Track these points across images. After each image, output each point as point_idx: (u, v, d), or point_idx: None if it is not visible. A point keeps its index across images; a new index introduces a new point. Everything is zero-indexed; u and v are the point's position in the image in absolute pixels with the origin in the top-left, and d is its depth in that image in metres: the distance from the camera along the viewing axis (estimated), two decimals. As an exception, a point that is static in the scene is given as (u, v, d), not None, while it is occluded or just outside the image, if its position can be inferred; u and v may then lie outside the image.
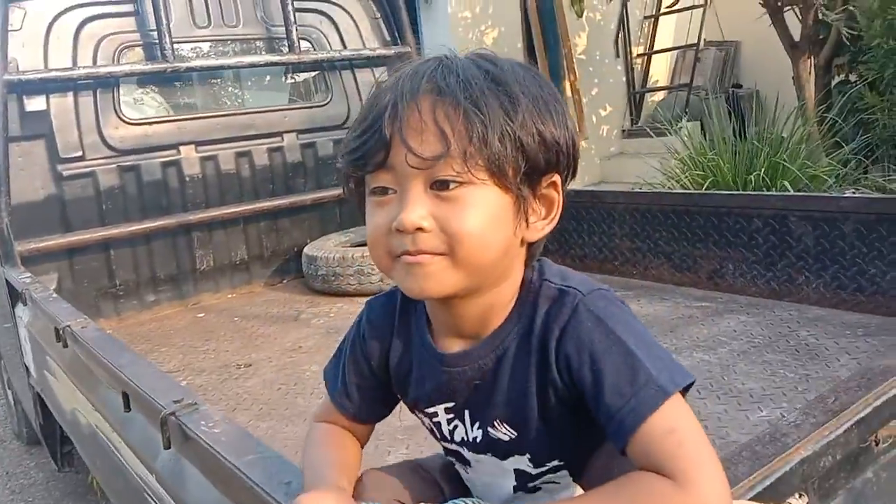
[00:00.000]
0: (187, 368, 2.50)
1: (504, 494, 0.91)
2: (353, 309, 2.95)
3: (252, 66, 3.31)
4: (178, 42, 3.07)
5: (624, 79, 7.47)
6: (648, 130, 6.04)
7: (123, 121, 3.02)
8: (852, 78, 6.21)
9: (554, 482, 0.89)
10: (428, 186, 0.76)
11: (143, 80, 3.15)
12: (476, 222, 0.76)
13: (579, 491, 0.89)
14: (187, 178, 3.16)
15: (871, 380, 1.05)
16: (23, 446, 3.28)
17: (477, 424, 0.87)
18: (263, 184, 3.36)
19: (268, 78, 3.61)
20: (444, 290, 0.79)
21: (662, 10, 7.34)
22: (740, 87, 7.94)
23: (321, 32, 3.52)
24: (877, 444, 1.00)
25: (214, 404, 1.93)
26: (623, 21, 7.32)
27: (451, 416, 0.89)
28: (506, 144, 0.76)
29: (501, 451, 0.87)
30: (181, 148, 3.15)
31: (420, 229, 0.76)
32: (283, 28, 3.28)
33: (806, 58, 5.64)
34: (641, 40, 7.59)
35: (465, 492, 0.97)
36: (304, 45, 3.41)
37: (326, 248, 3.19)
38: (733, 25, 7.40)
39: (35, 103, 2.85)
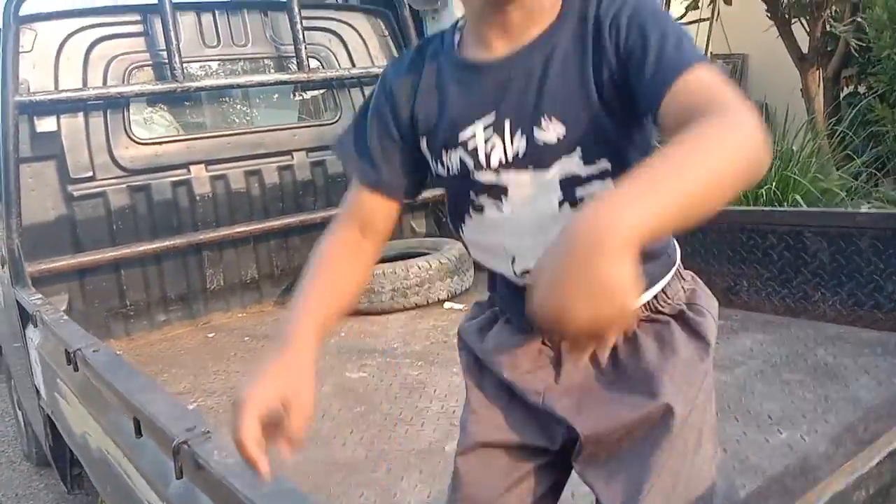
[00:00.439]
0: (198, 390, 2.48)
1: (548, 216, 0.84)
2: (363, 328, 2.94)
3: (261, 84, 3.32)
4: (188, 62, 3.08)
5: (632, 92, 7.45)
6: (657, 144, 6.01)
7: (134, 141, 3.03)
8: (861, 89, 6.18)
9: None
10: None
11: (154, 99, 3.16)
12: None
13: None
14: (198, 198, 3.16)
15: (899, 406, 1.02)
16: (32, 468, 3.26)
17: (520, 131, 0.83)
18: (273, 202, 3.35)
19: (277, 96, 3.61)
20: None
21: (670, 24, 7.33)
22: (749, 99, 7.94)
23: (330, 51, 3.52)
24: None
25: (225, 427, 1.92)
26: None
27: (490, 131, 0.84)
28: None
29: (547, 157, 0.82)
30: (191, 167, 3.15)
31: None
32: (293, 46, 3.28)
33: (814, 70, 5.63)
34: None
35: None
36: (314, 63, 3.42)
37: (336, 267, 3.18)
38: (740, 38, 7.39)
39: (46, 124, 2.85)
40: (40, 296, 2.50)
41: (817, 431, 1.73)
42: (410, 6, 6.25)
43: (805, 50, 5.51)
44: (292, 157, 3.40)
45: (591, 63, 0.80)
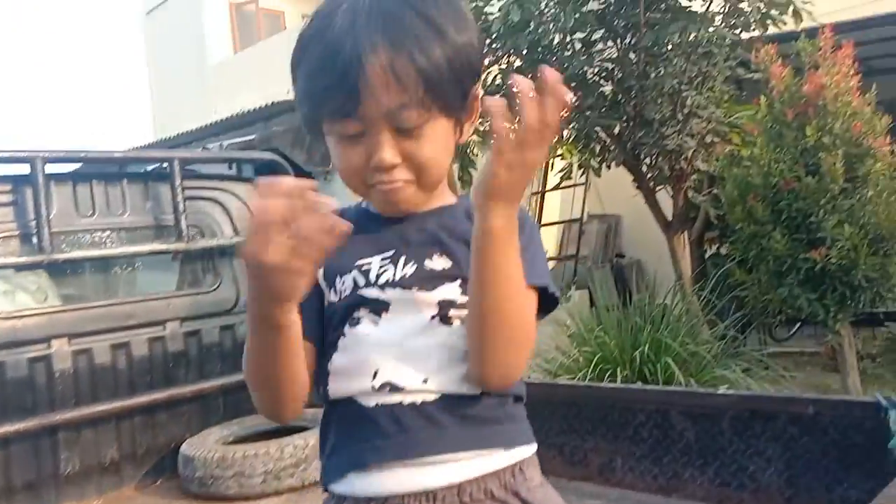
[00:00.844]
0: None
1: (418, 329, 0.94)
2: (230, 521, 2.75)
3: (135, 255, 3.24)
4: (59, 232, 2.98)
5: (516, 249, 7.77)
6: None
7: (-10, 315, 2.85)
8: (723, 251, 6.72)
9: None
10: (394, 129, 0.91)
11: (21, 270, 3.01)
12: (435, 150, 0.94)
13: None
14: (57, 374, 2.96)
15: None
16: None
17: (412, 262, 0.97)
18: (141, 376, 3.19)
19: (152, 267, 3.53)
20: (413, 207, 0.98)
21: (548, 188, 7.83)
22: (623, 256, 8.43)
23: (213, 219, 3.51)
24: None
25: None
26: (513, 196, 7.74)
27: (387, 262, 0.98)
28: (450, 85, 0.91)
29: (432, 281, 0.96)
30: (53, 342, 2.97)
31: (393, 166, 0.92)
32: (173, 216, 3.25)
33: (679, 235, 6.08)
34: (530, 214, 8.03)
35: None
36: (194, 231, 3.38)
37: (205, 447, 3.01)
38: (614, 199, 7.96)
39: None
40: None
41: None
42: (302, 168, 6.42)
43: (670, 216, 5.96)
44: (165, 328, 3.27)
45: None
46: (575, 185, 7.52)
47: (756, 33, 5.12)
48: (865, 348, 6.13)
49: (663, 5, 4.88)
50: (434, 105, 0.90)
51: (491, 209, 0.84)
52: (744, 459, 2.37)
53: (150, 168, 3.54)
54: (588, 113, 5.30)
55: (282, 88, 7.34)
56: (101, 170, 3.38)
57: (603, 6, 5.16)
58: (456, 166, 5.66)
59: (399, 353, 0.93)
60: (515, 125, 0.83)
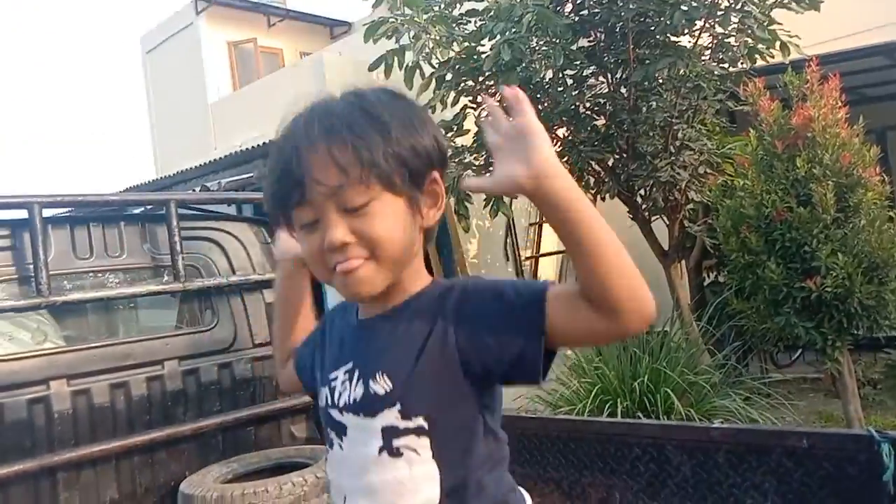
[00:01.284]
0: None
1: (370, 460, 1.02)
2: (228, 563, 2.74)
3: (133, 296, 3.27)
4: (57, 275, 3.01)
5: (514, 281, 7.81)
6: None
7: (-11, 358, 2.87)
8: (721, 279, 6.73)
9: (416, 451, 1.00)
10: (342, 210, 0.98)
11: (18, 312, 3.04)
12: (385, 227, 0.99)
13: (435, 470, 1.00)
14: (56, 415, 2.97)
15: None
16: None
17: (362, 381, 1.04)
18: (140, 415, 3.19)
19: (151, 305, 3.55)
20: (375, 289, 1.02)
21: (544, 220, 7.88)
22: (622, 286, 8.46)
23: (210, 259, 3.55)
24: None
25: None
26: (510, 228, 7.80)
27: (346, 376, 1.07)
28: (389, 162, 0.97)
29: (375, 407, 1.02)
30: (51, 383, 2.98)
31: (345, 244, 0.98)
32: (170, 257, 3.28)
33: (676, 264, 6.12)
34: (529, 245, 8.06)
35: None
36: (192, 271, 3.42)
37: (204, 485, 3.01)
38: (612, 229, 8.01)
39: None
40: None
41: None
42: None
43: (666, 246, 6.00)
44: (163, 367, 3.29)
45: (422, 339, 1.02)
46: (571, 217, 7.57)
47: (744, 67, 5.20)
48: (867, 374, 6.13)
49: (652, 41, 4.98)
50: (375, 182, 0.97)
51: (548, 178, 0.92)
52: (740, 493, 2.37)
53: (147, 209, 3.58)
54: (581, 147, 5.37)
55: (280, 126, 7.44)
56: (97, 212, 3.42)
57: (592, 43, 5.26)
58: (452, 200, 5.71)
59: (358, 485, 1.04)
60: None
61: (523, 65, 5.09)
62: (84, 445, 3.01)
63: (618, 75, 5.35)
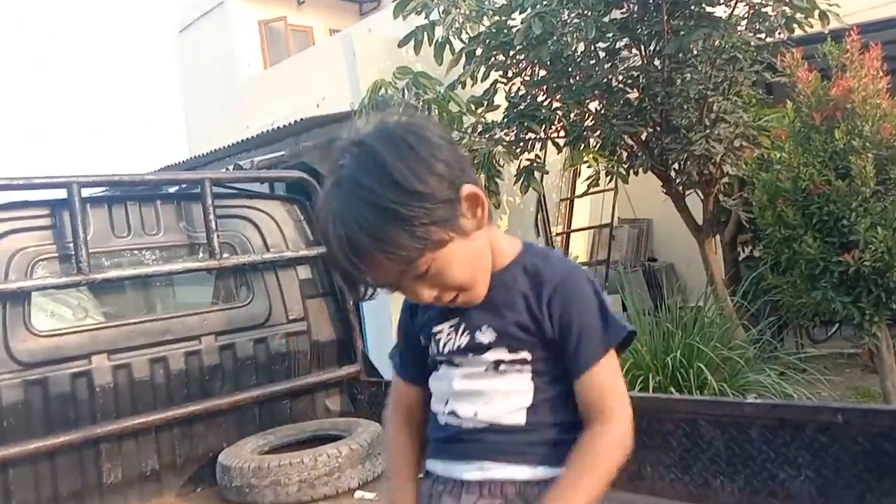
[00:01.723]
0: None
1: (477, 376, 1.20)
2: (266, 531, 2.81)
3: (170, 273, 3.34)
4: (96, 252, 3.09)
5: (546, 256, 7.78)
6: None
7: (33, 333, 2.95)
8: (756, 253, 6.64)
9: (518, 372, 1.19)
10: (413, 279, 1.11)
11: (58, 290, 3.12)
12: (454, 273, 1.12)
13: (530, 385, 1.20)
14: (98, 389, 3.06)
15: None
16: None
17: (467, 332, 1.21)
18: (178, 389, 3.27)
19: (188, 282, 3.62)
20: (481, 296, 1.19)
21: (577, 195, 7.82)
22: (655, 260, 8.39)
23: (244, 237, 3.60)
24: None
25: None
26: (541, 204, 7.76)
27: (451, 329, 1.22)
28: (425, 240, 1.07)
29: (482, 349, 1.20)
30: (93, 358, 3.07)
31: (434, 298, 1.14)
32: (205, 234, 3.34)
33: (710, 238, 6.04)
34: (560, 220, 8.02)
35: None
36: (227, 248, 3.47)
37: (242, 456, 3.08)
38: (645, 204, 7.92)
39: (-60, 320, 2.77)
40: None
41: None
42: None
43: (701, 220, 5.92)
44: (200, 342, 3.36)
45: (521, 303, 1.19)
46: (604, 191, 7.51)
47: (782, 37, 5.08)
48: (905, 350, 6.01)
49: (686, 12, 4.88)
50: (424, 253, 1.07)
51: None
52: (773, 468, 2.36)
53: (182, 188, 3.63)
54: (614, 120, 5.30)
55: (310, 104, 7.45)
56: (134, 192, 3.48)
57: (625, 15, 5.17)
58: (482, 177, 5.69)
59: (462, 390, 1.22)
60: None
61: (554, 38, 5.03)
62: (125, 418, 3.11)
63: (651, 47, 5.26)
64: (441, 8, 5.23)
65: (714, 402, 2.90)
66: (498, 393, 1.20)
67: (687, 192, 5.86)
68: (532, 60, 5.29)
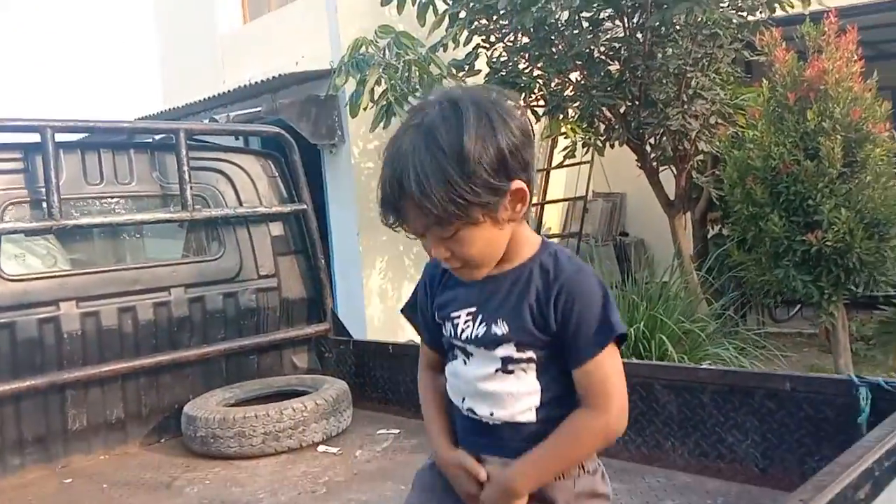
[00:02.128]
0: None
1: (488, 375, 1.29)
2: (231, 475, 2.86)
3: (142, 223, 3.33)
4: (68, 199, 3.07)
5: (519, 226, 7.82)
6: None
7: (2, 277, 2.95)
8: (725, 231, 6.75)
9: (525, 372, 1.28)
10: (437, 236, 1.20)
11: (30, 235, 3.11)
12: (472, 248, 1.22)
13: (537, 386, 1.28)
14: (65, 336, 3.07)
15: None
16: None
17: (484, 323, 1.29)
18: (146, 339, 3.29)
19: (159, 233, 3.62)
20: (477, 278, 1.28)
21: (553, 166, 7.85)
22: (627, 234, 8.48)
23: (217, 190, 3.59)
24: None
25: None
26: (517, 173, 7.77)
27: (469, 318, 1.31)
28: (468, 208, 1.15)
29: (495, 342, 1.27)
30: (61, 304, 3.07)
31: (444, 258, 1.24)
32: (178, 185, 3.33)
33: (681, 214, 6.12)
34: (535, 191, 8.05)
35: None
36: (200, 201, 3.47)
37: (207, 408, 3.12)
38: (619, 178, 7.98)
39: None
40: None
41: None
42: (308, 140, 6.48)
43: (672, 196, 6.00)
44: (170, 294, 3.37)
45: (533, 303, 1.26)
46: (580, 163, 7.55)
47: (763, 16, 5.12)
48: (860, 331, 6.19)
49: (670, -15, 4.88)
50: (454, 221, 1.17)
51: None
52: (722, 431, 2.46)
53: (156, 138, 3.61)
54: (593, 92, 5.32)
55: (289, 60, 7.36)
56: (108, 139, 3.45)
57: (610, -16, 5.16)
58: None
59: (476, 391, 1.31)
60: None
61: (539, 5, 5.01)
62: (92, 365, 3.13)
63: (634, 19, 5.26)
64: (425, -32, 5.18)
65: (671, 366, 3.00)
66: (510, 396, 1.29)
67: (661, 168, 5.91)
68: (515, 27, 5.27)
